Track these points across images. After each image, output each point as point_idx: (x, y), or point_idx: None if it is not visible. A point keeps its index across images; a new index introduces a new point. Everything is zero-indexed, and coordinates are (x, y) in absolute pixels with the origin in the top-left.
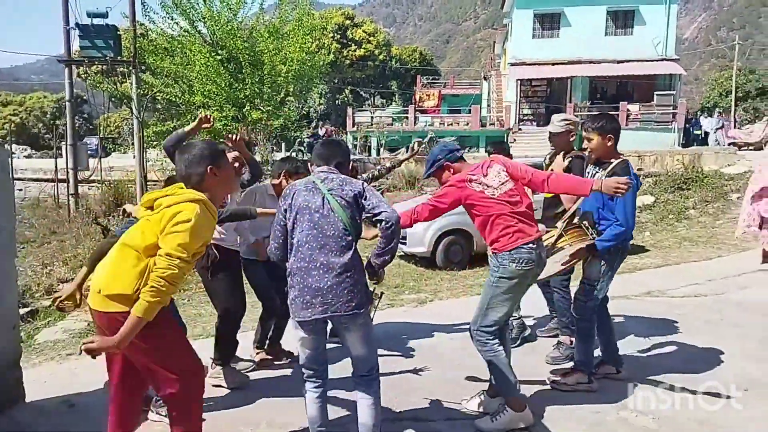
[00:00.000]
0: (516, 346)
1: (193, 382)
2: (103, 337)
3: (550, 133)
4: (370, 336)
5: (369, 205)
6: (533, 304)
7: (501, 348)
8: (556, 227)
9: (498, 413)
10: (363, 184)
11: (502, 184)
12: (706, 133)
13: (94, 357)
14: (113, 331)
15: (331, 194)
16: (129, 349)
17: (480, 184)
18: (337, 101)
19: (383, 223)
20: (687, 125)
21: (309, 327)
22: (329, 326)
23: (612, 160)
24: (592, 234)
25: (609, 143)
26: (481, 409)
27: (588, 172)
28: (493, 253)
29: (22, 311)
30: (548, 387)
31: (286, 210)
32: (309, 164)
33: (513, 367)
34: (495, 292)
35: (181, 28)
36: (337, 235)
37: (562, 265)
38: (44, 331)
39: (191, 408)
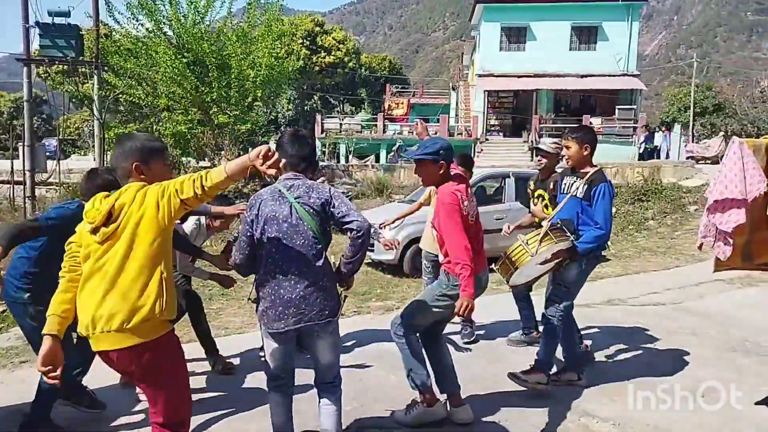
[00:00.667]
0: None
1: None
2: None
3: (540, 150)
4: (338, 344)
5: (338, 213)
6: (500, 312)
7: (415, 340)
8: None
9: (412, 406)
10: (330, 189)
11: (473, 209)
12: (655, 147)
13: None
14: (141, 366)
15: (299, 202)
16: (142, 370)
17: (465, 206)
18: (306, 107)
19: (354, 232)
20: (642, 139)
21: (281, 338)
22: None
23: (588, 169)
24: (572, 237)
25: (585, 152)
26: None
27: (565, 183)
28: (448, 271)
29: None
30: (507, 390)
31: (252, 221)
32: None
33: (464, 372)
34: (434, 304)
35: (147, 29)
36: (307, 244)
37: (540, 265)
38: None
39: None
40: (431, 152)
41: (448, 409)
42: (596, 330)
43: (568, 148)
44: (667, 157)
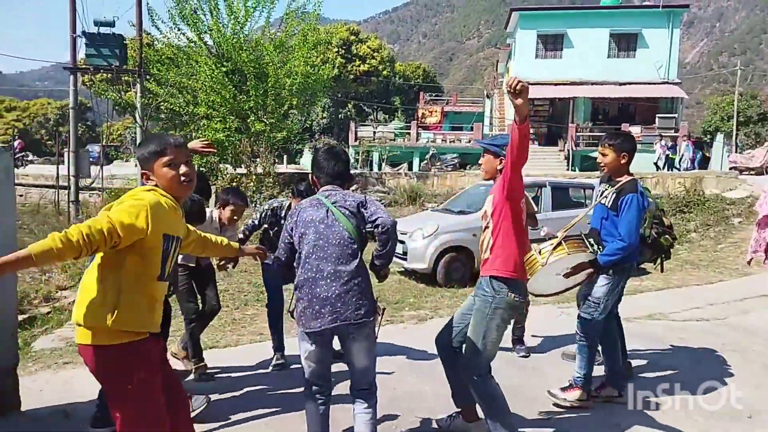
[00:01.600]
0: None
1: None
2: None
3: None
4: (373, 348)
5: (368, 213)
6: (540, 323)
7: (494, 383)
8: (556, 236)
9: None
10: (365, 195)
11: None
12: (671, 159)
13: None
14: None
15: (335, 206)
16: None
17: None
18: (340, 115)
19: (379, 227)
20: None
21: (318, 338)
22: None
23: (623, 178)
24: (594, 249)
25: (623, 161)
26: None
27: (599, 190)
28: (497, 277)
29: (19, 318)
30: (547, 410)
31: (292, 228)
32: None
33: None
34: (494, 324)
35: (188, 38)
36: (342, 243)
37: (564, 277)
38: (41, 338)
39: None
40: (497, 144)
41: (460, 423)
42: (637, 345)
43: (604, 155)
44: (695, 167)
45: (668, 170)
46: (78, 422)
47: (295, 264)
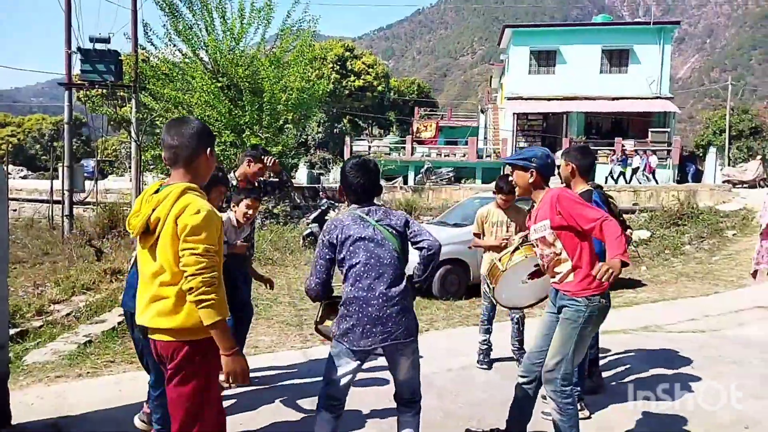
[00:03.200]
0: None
1: None
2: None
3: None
4: (417, 361)
5: (412, 233)
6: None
7: (575, 399)
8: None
9: None
10: (405, 214)
11: None
12: (635, 170)
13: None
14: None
15: (381, 224)
16: (173, 365)
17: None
18: (335, 130)
19: (425, 250)
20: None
21: (363, 355)
22: None
23: (577, 188)
24: None
25: (569, 170)
26: None
27: None
28: (582, 294)
29: (11, 332)
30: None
31: (332, 243)
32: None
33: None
34: (582, 333)
35: (183, 54)
36: (392, 263)
37: (526, 279)
38: (33, 352)
39: None
40: (524, 158)
41: None
42: (633, 357)
43: (558, 167)
44: (648, 181)
45: (625, 182)
46: None
47: (342, 281)
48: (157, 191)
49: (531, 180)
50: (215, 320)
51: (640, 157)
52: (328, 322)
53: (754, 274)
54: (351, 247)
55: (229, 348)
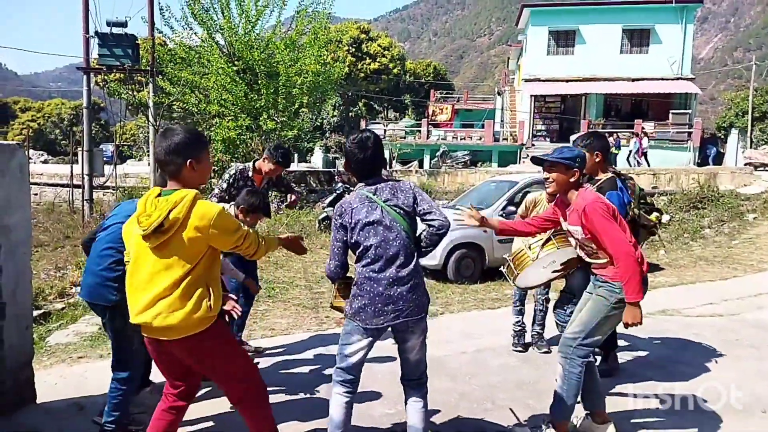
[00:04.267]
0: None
1: (250, 388)
2: None
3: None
4: (425, 341)
5: (422, 210)
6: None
7: (583, 372)
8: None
9: (542, 428)
10: (413, 187)
11: None
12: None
13: None
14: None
15: (388, 205)
16: (193, 358)
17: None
18: (350, 113)
19: (434, 228)
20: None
21: (376, 333)
22: None
23: (601, 177)
24: None
25: (597, 159)
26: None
27: None
28: (611, 278)
29: (34, 313)
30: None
31: (344, 226)
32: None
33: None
34: (612, 313)
35: (199, 38)
36: (402, 244)
37: (552, 272)
38: (56, 333)
39: (259, 413)
40: (567, 157)
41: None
42: (649, 341)
43: None
44: (638, 164)
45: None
46: (92, 415)
47: (355, 261)
48: (159, 195)
49: (572, 180)
50: (272, 249)
51: (635, 141)
52: (341, 300)
53: None
54: (361, 232)
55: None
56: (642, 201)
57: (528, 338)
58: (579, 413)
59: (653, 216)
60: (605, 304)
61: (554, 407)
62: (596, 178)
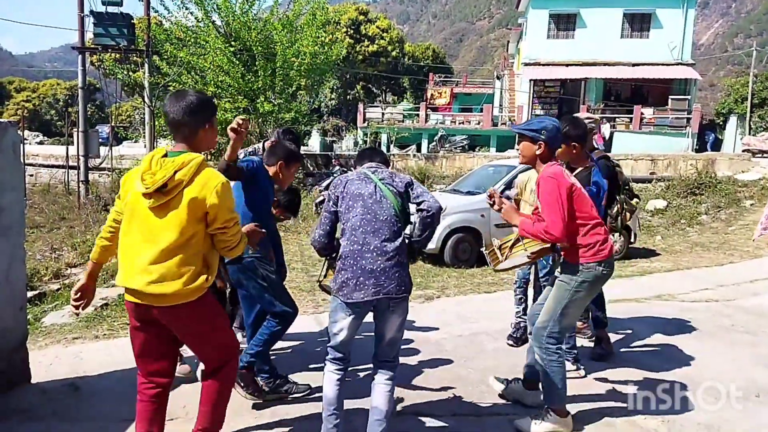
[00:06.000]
0: (513, 345)
1: (230, 357)
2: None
3: None
4: (404, 323)
5: (414, 194)
6: None
7: (562, 357)
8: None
9: (542, 417)
10: (410, 177)
11: None
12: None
13: None
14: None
15: (383, 183)
16: (180, 326)
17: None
18: (348, 96)
19: (424, 212)
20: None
21: (357, 309)
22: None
23: (579, 166)
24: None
25: (574, 151)
26: (507, 395)
27: None
28: (576, 260)
29: (29, 294)
30: None
31: (337, 197)
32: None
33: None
34: (573, 297)
35: (196, 18)
36: (389, 220)
37: (528, 258)
38: (51, 314)
39: (225, 389)
40: (533, 129)
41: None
42: (645, 325)
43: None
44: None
45: None
46: (87, 395)
47: (339, 235)
48: (165, 155)
49: (538, 152)
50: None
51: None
52: (329, 278)
53: (754, 240)
54: (350, 202)
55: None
56: (626, 187)
57: (501, 324)
58: (509, 376)
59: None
60: (567, 289)
61: (547, 397)
62: (574, 167)
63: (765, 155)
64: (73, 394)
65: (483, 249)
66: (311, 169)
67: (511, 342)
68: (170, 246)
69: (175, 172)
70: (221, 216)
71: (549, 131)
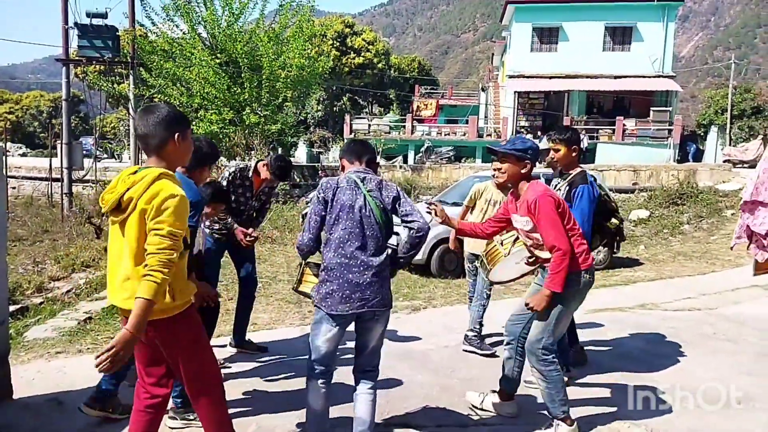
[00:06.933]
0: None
1: (209, 390)
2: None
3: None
4: (385, 333)
5: (403, 211)
6: None
7: (559, 364)
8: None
9: (551, 428)
10: (398, 189)
11: None
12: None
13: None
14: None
15: (371, 196)
16: (167, 345)
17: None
18: (335, 108)
19: (414, 231)
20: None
21: (341, 320)
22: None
23: (573, 171)
24: None
25: (574, 154)
26: (485, 407)
27: (553, 184)
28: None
29: (12, 308)
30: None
31: (327, 202)
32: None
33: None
34: (566, 306)
35: (181, 30)
36: (375, 235)
37: (524, 266)
38: (34, 328)
39: (215, 416)
40: (519, 149)
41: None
42: (629, 334)
43: (557, 150)
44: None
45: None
46: (71, 410)
47: (323, 246)
48: (134, 173)
49: (524, 171)
50: (148, 297)
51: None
52: (306, 283)
53: (733, 248)
54: (340, 213)
55: (135, 329)
56: (606, 197)
57: (487, 333)
58: (485, 390)
59: (609, 223)
60: (558, 299)
61: (550, 408)
62: (568, 172)
63: (745, 165)
64: (56, 408)
65: (481, 252)
66: (298, 180)
67: (487, 353)
68: (133, 264)
69: (127, 190)
70: (155, 216)
71: (534, 152)
